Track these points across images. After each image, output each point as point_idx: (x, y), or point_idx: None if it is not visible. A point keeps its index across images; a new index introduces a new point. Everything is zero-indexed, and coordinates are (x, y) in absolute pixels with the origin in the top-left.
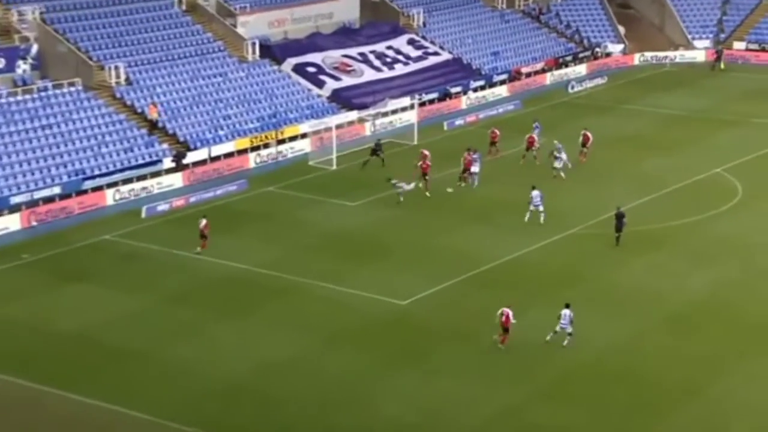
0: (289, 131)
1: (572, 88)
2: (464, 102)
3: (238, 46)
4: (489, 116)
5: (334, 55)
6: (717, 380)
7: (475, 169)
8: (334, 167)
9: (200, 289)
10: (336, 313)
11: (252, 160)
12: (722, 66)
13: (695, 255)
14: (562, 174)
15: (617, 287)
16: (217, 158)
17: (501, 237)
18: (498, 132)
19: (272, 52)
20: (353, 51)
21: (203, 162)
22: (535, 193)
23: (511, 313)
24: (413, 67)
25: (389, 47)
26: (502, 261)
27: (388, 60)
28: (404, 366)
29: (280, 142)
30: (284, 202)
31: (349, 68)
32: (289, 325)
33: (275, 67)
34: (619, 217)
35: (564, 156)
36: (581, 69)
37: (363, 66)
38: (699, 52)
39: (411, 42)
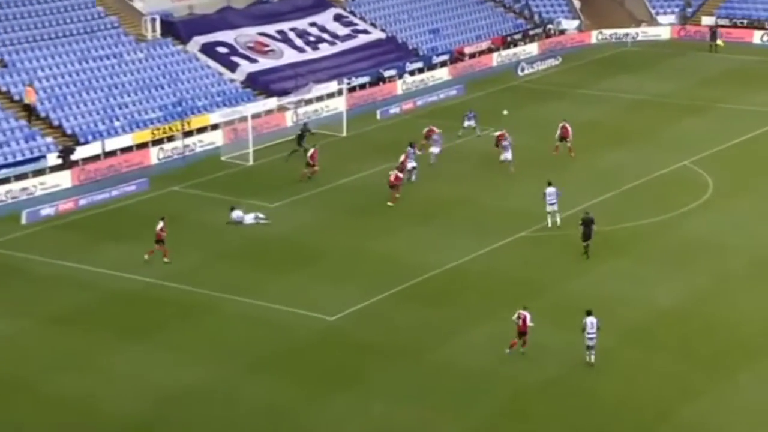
0: (197, 122)
1: (522, 70)
2: (400, 87)
3: (135, 23)
4: (428, 103)
5: (249, 33)
6: (688, 401)
7: (411, 164)
8: (251, 163)
9: (93, 308)
10: (255, 332)
11: (154, 155)
12: (719, 43)
13: (662, 260)
14: (511, 168)
15: (576, 297)
16: (112, 153)
17: (443, 241)
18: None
19: (176, 29)
20: (271, 28)
21: (95, 158)
22: (551, 190)
23: (528, 316)
24: (341, 47)
25: (313, 24)
26: (445, 269)
27: (312, 39)
28: (335, 390)
29: (187, 134)
30: (192, 204)
31: (266, 48)
32: (200, 348)
33: (179, 47)
34: (587, 223)
35: (509, 150)
36: (532, 49)
37: (282, 46)
38: (664, 29)
39: (338, 18)
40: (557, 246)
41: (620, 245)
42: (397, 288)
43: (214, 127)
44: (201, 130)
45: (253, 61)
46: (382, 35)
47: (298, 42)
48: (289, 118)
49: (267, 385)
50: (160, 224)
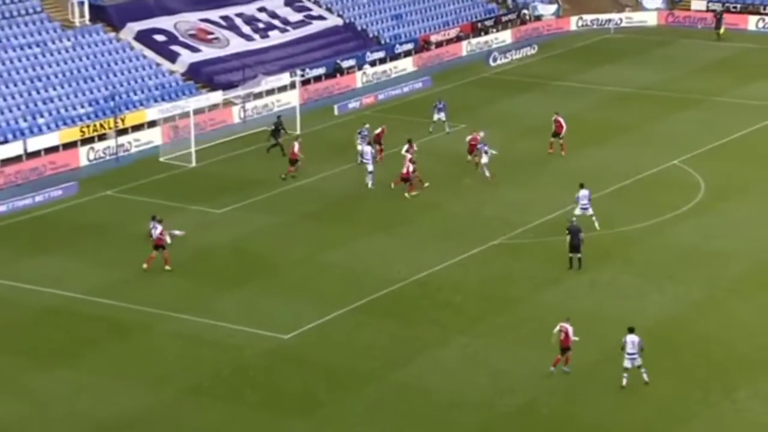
0: (132, 118)
1: (494, 60)
2: (359, 79)
3: (60, 7)
4: (391, 97)
5: (190, 19)
6: (681, 425)
7: (369, 167)
8: (193, 164)
9: (15, 327)
10: (196, 353)
11: (83, 156)
12: (722, 32)
13: (650, 269)
14: (487, 172)
15: (554, 312)
16: (35, 154)
17: (407, 251)
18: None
19: (107, 15)
20: (215, 14)
21: (16, 159)
22: (584, 192)
23: (571, 330)
24: (293, 34)
25: (262, 9)
26: (411, 281)
27: (261, 26)
28: (289, 417)
29: (121, 132)
30: (127, 211)
31: (209, 36)
32: (135, 371)
33: (112, 35)
34: (575, 232)
35: (490, 152)
36: (505, 36)
37: (228, 33)
38: (650, 15)
39: (290, 3)
40: (536, 254)
41: (603, 253)
42: (359, 302)
43: (152, 124)
44: (137, 127)
45: (195, 50)
46: (339, 22)
47: (246, 29)
48: (236, 114)
49: (210, 412)
50: (159, 228)
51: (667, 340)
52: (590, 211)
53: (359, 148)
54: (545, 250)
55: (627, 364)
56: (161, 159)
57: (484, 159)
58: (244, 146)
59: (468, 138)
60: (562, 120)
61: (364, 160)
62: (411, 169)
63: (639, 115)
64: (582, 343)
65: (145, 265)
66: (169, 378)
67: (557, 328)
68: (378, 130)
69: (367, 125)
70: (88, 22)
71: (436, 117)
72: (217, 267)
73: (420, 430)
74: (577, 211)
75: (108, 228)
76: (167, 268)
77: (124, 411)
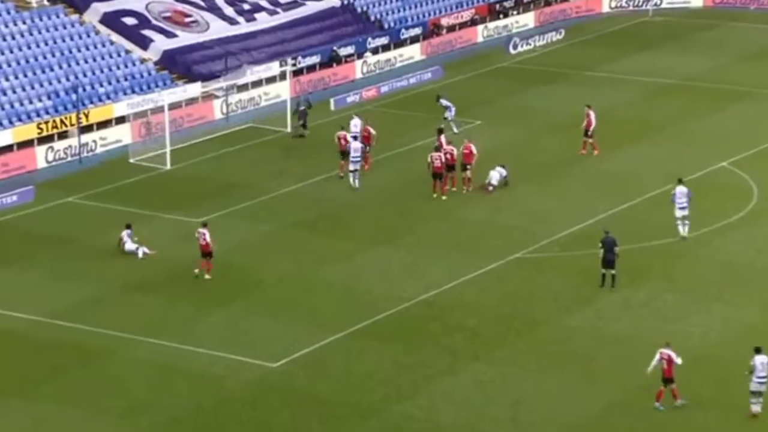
0: (97, 114)
1: (515, 47)
2: (359, 69)
3: None
4: (395, 89)
5: None
6: None
7: (354, 165)
8: (168, 167)
9: None
10: (172, 383)
11: (41, 156)
12: None
13: (695, 287)
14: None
15: (581, 336)
16: None
17: (413, 266)
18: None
19: None
20: None
21: None
22: (682, 189)
23: (673, 354)
24: (283, 17)
25: None
26: (416, 301)
27: (246, 7)
28: None
29: (85, 129)
30: (91, 220)
31: (187, 19)
32: (101, 403)
33: (74, 17)
34: (609, 245)
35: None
36: (527, 20)
37: (208, 15)
38: None
39: None
40: (562, 270)
41: (639, 269)
42: (358, 325)
43: (120, 120)
44: (103, 124)
45: (170, 35)
46: (337, 3)
47: (228, 11)
48: (217, 109)
49: None
50: (206, 233)
51: (716, 370)
52: (687, 212)
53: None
54: (573, 265)
55: (757, 388)
56: (131, 160)
57: (494, 178)
58: (227, 145)
59: (462, 148)
60: (592, 115)
61: (352, 159)
62: (443, 161)
63: (681, 109)
64: (617, 375)
65: (197, 270)
66: (140, 411)
67: (657, 357)
68: (355, 130)
69: (357, 118)
70: (46, 3)
71: (445, 110)
72: (196, 284)
73: None
74: (677, 213)
75: (69, 240)
76: (207, 276)
77: None
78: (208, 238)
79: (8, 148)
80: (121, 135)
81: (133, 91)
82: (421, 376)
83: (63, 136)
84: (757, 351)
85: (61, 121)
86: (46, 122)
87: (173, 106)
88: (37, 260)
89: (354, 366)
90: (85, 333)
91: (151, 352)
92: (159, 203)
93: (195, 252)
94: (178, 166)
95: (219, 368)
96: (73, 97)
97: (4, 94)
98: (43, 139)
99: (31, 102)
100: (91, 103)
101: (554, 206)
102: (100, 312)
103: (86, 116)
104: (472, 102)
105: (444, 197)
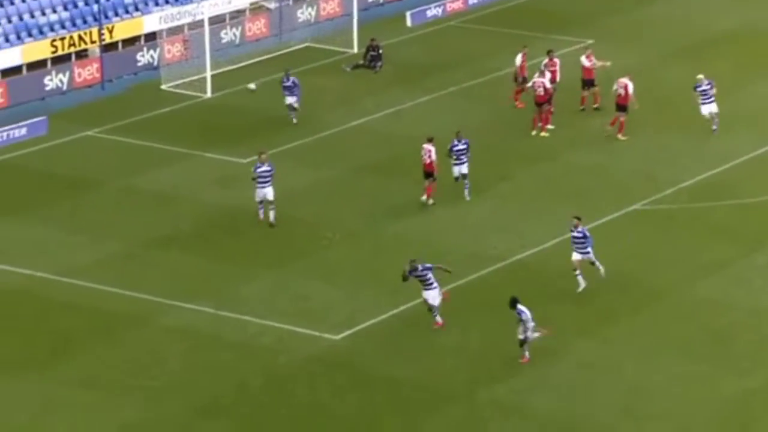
0: (123, 29)
1: None
2: None
3: None
4: (486, 2)
5: None
6: None
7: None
8: (208, 95)
9: None
10: (212, 359)
11: (55, 81)
12: None
13: None
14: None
15: (714, 311)
16: None
17: (506, 219)
18: None
19: None
20: None
21: None
22: None
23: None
24: None
25: None
26: (510, 261)
27: None
28: None
29: (108, 48)
30: (115, 158)
31: None
32: (124, 382)
33: None
34: None
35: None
36: None
37: None
38: None
39: None
40: (690, 227)
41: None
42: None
43: (151, 36)
44: (129, 41)
45: None
46: None
47: None
48: (270, 24)
49: None
50: (431, 148)
51: None
52: None
53: (287, 101)
54: (704, 219)
55: None
56: (163, 87)
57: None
58: (279, 69)
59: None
60: (630, 86)
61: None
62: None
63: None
64: (757, 354)
65: (424, 197)
66: (173, 391)
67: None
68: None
69: (291, 73)
70: None
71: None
72: (243, 239)
73: None
74: None
75: (89, 182)
76: (430, 202)
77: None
78: (433, 155)
79: (16, 70)
80: (152, 55)
81: (167, 1)
82: (515, 355)
83: (82, 55)
84: None
85: (80, 38)
86: (62, 39)
87: (215, 20)
88: (51, 207)
89: (433, 340)
90: (107, 295)
91: (186, 319)
92: (197, 139)
93: (241, 199)
94: (220, 94)
95: (268, 340)
96: (95, 7)
97: (11, 2)
98: (58, 59)
99: (43, 13)
100: (116, 15)
101: (681, 147)
102: (126, 270)
103: (110, 32)
104: (573, 16)
105: (544, 134)
